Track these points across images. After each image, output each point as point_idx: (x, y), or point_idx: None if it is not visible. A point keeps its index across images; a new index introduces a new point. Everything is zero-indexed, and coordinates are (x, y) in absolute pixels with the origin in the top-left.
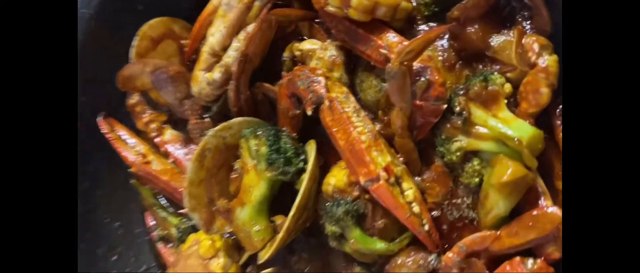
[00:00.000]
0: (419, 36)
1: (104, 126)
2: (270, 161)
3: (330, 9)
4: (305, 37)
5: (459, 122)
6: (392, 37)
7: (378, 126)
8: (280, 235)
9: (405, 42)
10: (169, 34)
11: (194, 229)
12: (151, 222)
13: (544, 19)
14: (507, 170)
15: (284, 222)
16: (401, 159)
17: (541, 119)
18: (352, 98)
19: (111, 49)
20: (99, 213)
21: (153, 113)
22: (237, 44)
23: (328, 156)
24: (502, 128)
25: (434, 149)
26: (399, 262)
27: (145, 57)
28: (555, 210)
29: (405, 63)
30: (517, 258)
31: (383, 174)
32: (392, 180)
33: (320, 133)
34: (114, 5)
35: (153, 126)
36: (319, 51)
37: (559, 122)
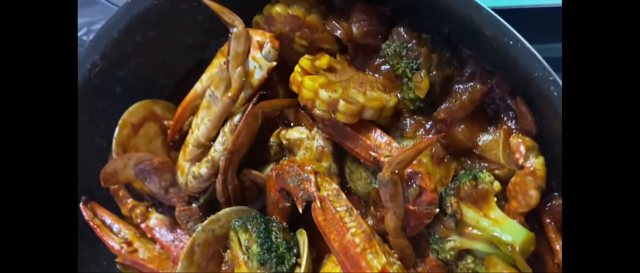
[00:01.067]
0: (408, 148)
1: (86, 212)
2: (262, 261)
3: (318, 112)
4: (291, 123)
5: (452, 223)
6: (379, 137)
7: (370, 222)
8: None
9: (394, 144)
10: (149, 117)
11: None
12: None
13: (529, 122)
14: None
15: None
16: (396, 255)
17: (531, 214)
18: (343, 196)
19: (90, 136)
20: None
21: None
22: (224, 137)
23: (320, 245)
24: (495, 232)
25: (428, 243)
26: None
27: (126, 144)
28: None
29: (397, 172)
30: None
31: None
32: None
33: (309, 217)
34: (91, 93)
35: (138, 211)
36: (307, 140)
37: (548, 220)
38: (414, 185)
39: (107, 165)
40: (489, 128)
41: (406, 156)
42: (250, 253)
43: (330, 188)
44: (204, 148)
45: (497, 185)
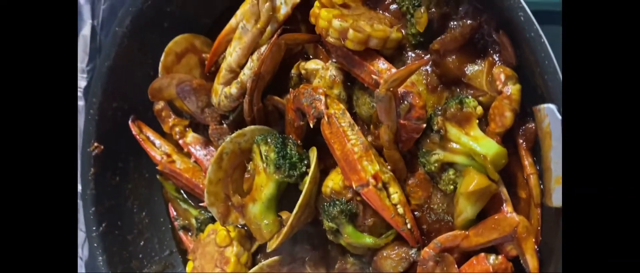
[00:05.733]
0: (403, 68)
1: (133, 128)
2: (278, 165)
3: (330, 39)
4: (310, 56)
5: (437, 138)
6: (382, 64)
7: (370, 138)
8: (285, 229)
9: (393, 70)
10: (191, 49)
11: (212, 220)
12: (173, 213)
13: (509, 54)
14: (473, 181)
15: (289, 218)
16: (389, 167)
17: (508, 137)
18: (348, 115)
19: (140, 62)
20: (128, 204)
21: (177, 118)
22: (252, 63)
23: (327, 162)
24: (472, 145)
25: (418, 160)
26: (385, 254)
27: (170, 70)
28: (513, 216)
29: (391, 89)
30: (482, 254)
31: (372, 180)
32: (380, 185)
33: (320, 140)
34: (143, 24)
35: (177, 129)
36: (322, 70)
37: (521, 141)
38: (406, 102)
39: (154, 82)
40: (476, 60)
41: (400, 74)
42: (268, 160)
43: (337, 107)
44: (235, 73)
45: (479, 109)
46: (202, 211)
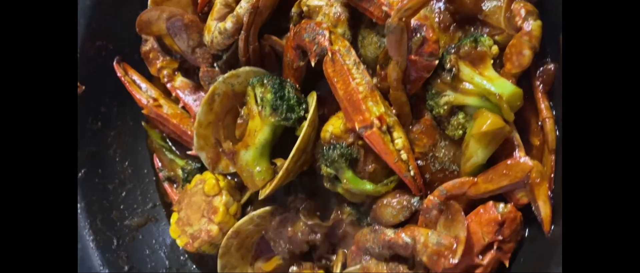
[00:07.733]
0: None
1: (118, 70)
2: (274, 107)
3: None
4: None
5: (448, 78)
6: None
7: (375, 80)
8: (280, 174)
9: (405, 1)
10: None
11: (200, 171)
12: (158, 164)
13: None
14: (487, 121)
15: (284, 163)
16: (394, 111)
17: (523, 82)
18: (353, 52)
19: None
20: (110, 152)
21: (165, 60)
22: None
23: (327, 108)
24: (486, 85)
25: (425, 105)
26: (385, 202)
27: (160, 4)
28: (526, 160)
29: (404, 19)
30: (490, 202)
31: (376, 122)
32: (384, 128)
33: (319, 87)
34: None
35: (165, 72)
36: (325, 7)
37: (538, 83)
38: (418, 35)
39: (142, 13)
40: None
41: (414, 3)
42: (264, 102)
43: (342, 43)
44: (231, 8)
45: (495, 49)
46: (189, 162)
